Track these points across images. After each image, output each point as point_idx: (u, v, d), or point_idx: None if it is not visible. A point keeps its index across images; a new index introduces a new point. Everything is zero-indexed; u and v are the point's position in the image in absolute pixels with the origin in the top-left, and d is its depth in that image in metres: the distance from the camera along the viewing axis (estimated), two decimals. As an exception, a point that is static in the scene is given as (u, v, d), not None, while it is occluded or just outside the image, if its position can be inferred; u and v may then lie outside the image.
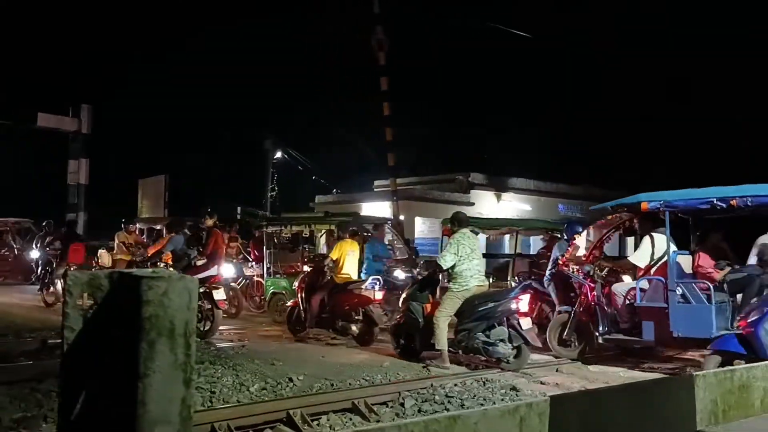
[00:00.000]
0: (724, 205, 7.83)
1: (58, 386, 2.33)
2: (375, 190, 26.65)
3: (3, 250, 21.14)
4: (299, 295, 10.35)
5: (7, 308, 13.61)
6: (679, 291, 7.72)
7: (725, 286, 7.76)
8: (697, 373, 3.47)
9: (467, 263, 8.25)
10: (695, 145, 30.51)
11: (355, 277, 10.42)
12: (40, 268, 16.90)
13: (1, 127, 26.01)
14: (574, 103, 33.21)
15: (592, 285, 8.70)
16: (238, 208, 32.06)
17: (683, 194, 8.38)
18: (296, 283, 10.92)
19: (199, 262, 10.35)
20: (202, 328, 9.79)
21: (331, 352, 9.13)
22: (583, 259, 9.18)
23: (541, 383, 7.38)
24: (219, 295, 10.11)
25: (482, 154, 32.54)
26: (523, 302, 8.23)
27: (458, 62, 31.55)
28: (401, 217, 19.67)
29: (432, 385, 6.84)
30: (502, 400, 6.43)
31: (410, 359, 8.38)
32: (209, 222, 11.01)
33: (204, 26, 44.27)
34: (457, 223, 8.63)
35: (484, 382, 7.14)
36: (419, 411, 5.99)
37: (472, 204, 22.96)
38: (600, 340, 8.54)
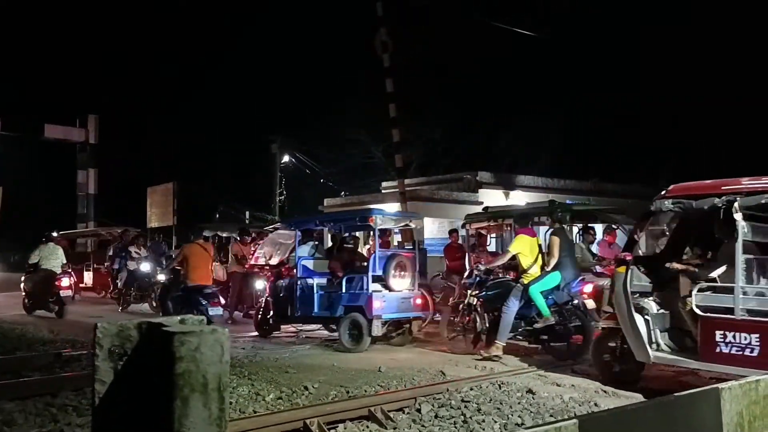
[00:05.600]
0: (321, 227, 11.87)
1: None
2: (383, 191, 26.60)
3: (106, 263, 18.68)
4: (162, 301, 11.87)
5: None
6: (299, 285, 10.71)
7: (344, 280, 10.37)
8: (723, 386, 3.43)
9: None
10: (708, 137, 30.33)
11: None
12: (120, 282, 16.07)
13: (10, 138, 26.17)
14: (581, 98, 33.02)
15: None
16: (247, 213, 32.15)
17: (304, 219, 12.70)
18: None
19: None
20: None
21: (342, 359, 9.11)
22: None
23: (557, 385, 7.33)
24: None
25: (489, 152, 32.41)
26: None
27: (462, 61, 31.43)
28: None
29: (448, 390, 6.79)
30: (519, 403, 6.40)
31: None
32: None
33: (208, 32, 44.36)
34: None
35: (499, 386, 7.09)
36: (436, 417, 5.95)
37: (481, 203, 22.81)
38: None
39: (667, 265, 7.34)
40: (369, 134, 31.15)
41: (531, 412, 6.11)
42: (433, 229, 23.28)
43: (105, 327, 2.22)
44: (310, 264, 11.07)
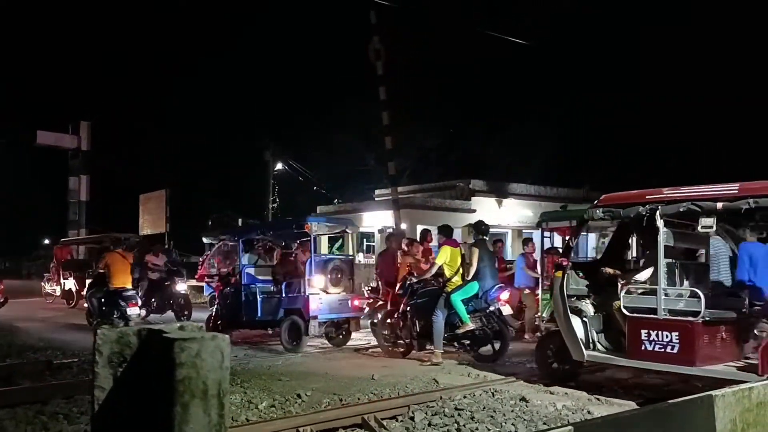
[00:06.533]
0: (262, 235, 12.49)
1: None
2: (376, 199, 26.61)
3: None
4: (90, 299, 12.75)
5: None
6: (244, 292, 11.31)
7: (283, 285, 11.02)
8: (716, 393, 3.45)
9: None
10: (701, 144, 30.53)
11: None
12: (141, 291, 14.78)
13: (2, 145, 26.09)
14: (573, 106, 33.13)
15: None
16: (240, 220, 32.09)
17: (246, 229, 14.51)
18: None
19: None
20: None
21: (335, 366, 9.10)
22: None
23: (550, 393, 7.34)
24: None
25: (482, 160, 32.47)
26: None
27: (456, 68, 31.59)
28: (403, 226, 19.62)
29: (441, 398, 6.79)
30: (512, 411, 6.40)
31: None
32: None
33: (201, 38, 44.38)
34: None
35: (493, 393, 7.10)
36: (429, 425, 5.95)
37: (474, 211, 22.88)
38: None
39: (602, 269, 7.81)
40: (362, 141, 31.21)
41: (524, 419, 6.11)
42: (426, 237, 23.26)
43: (105, 333, 2.22)
44: (253, 271, 11.75)
